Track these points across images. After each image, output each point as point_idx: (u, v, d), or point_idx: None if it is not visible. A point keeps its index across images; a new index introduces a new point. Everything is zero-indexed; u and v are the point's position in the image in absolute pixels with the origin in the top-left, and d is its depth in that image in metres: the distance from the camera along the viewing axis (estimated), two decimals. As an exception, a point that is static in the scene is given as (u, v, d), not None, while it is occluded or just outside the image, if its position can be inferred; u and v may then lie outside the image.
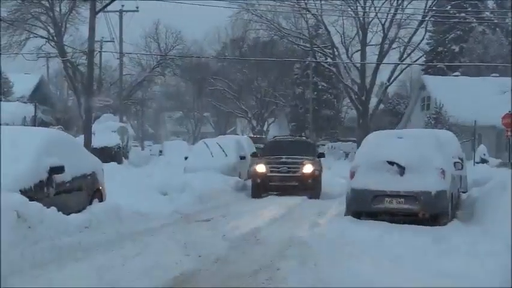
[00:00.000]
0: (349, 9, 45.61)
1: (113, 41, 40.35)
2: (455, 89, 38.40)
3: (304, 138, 23.30)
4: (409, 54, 47.24)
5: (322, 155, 20.73)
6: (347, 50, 47.48)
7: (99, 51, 39.55)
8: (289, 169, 18.54)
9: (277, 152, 19.39)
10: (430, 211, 11.22)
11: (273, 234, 10.42)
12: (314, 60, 49.73)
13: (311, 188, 18.33)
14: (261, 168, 18.75)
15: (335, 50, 47.13)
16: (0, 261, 6.71)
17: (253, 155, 21.20)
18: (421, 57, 50.22)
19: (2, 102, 30.20)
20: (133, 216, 11.62)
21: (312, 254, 8.50)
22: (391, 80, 47.28)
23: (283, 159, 18.84)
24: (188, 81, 63.76)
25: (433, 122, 34.97)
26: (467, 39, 49.00)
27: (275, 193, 18.90)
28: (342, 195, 14.42)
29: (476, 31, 48.71)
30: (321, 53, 49.87)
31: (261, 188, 18.68)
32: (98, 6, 24.56)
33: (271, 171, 18.59)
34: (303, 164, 18.59)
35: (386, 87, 48.65)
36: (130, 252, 8.39)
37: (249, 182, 21.70)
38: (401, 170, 11.26)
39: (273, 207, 15.26)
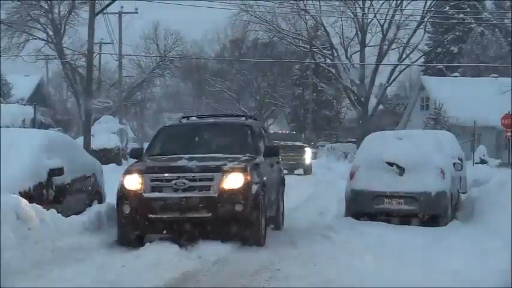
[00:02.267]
0: (348, 11, 45.69)
1: (112, 43, 40.39)
2: (455, 90, 38.40)
3: (240, 120, 11.86)
4: (408, 55, 47.39)
5: (273, 152, 10.71)
6: (346, 51, 47.58)
7: (98, 53, 39.55)
8: (190, 182, 9.05)
9: (179, 148, 10.27)
10: (430, 212, 11.22)
11: (274, 234, 10.41)
12: (313, 61, 49.77)
13: (243, 223, 9.04)
14: (132, 182, 9.24)
15: (334, 51, 47.22)
16: (0, 261, 6.71)
17: (134, 154, 10.99)
18: (420, 57, 50.32)
19: (1, 104, 30.20)
20: (133, 218, 11.58)
21: (312, 254, 8.51)
22: (390, 81, 47.36)
23: (182, 162, 9.46)
24: (187, 82, 63.79)
25: (432, 122, 34.97)
26: (466, 40, 49.05)
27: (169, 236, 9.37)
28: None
29: (475, 32, 48.76)
30: (320, 54, 49.94)
31: (132, 226, 9.24)
32: (97, 8, 24.59)
33: (154, 189, 9.13)
34: (222, 171, 9.08)
35: (386, 88, 48.73)
36: (131, 252, 8.39)
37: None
38: (401, 170, 11.27)
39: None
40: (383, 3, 45.03)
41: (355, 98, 46.52)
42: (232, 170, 9.10)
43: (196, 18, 56.69)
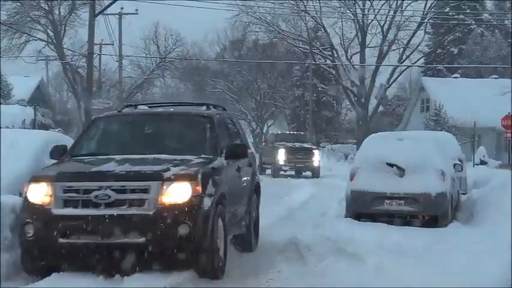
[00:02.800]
0: (348, 11, 45.73)
1: (112, 44, 40.42)
2: (455, 91, 38.46)
3: (198, 110, 9.14)
4: (408, 56, 47.41)
5: (239, 152, 8.24)
6: (346, 52, 47.62)
7: (99, 54, 39.59)
8: (118, 195, 6.81)
9: (113, 147, 8.13)
10: (430, 213, 11.22)
11: (274, 235, 10.43)
12: (313, 62, 49.80)
13: (190, 250, 6.87)
14: (37, 193, 7.07)
15: (334, 51, 47.25)
16: (0, 262, 6.72)
17: (53, 153, 8.23)
18: (420, 59, 50.35)
19: (1, 105, 30.23)
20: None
21: (313, 255, 8.51)
22: (390, 82, 47.38)
23: (109, 166, 7.22)
24: (187, 83, 63.84)
25: (432, 123, 35.01)
26: (466, 41, 49.11)
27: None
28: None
29: (475, 33, 48.80)
30: (320, 55, 49.99)
31: (37, 253, 6.99)
32: (98, 8, 24.61)
33: (67, 204, 6.93)
34: (162, 180, 6.86)
35: (386, 89, 48.73)
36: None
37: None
38: (401, 171, 11.27)
39: None
40: (383, 4, 45.10)
41: (355, 99, 46.55)
42: (176, 177, 6.77)
43: (196, 19, 56.70)
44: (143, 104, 9.57)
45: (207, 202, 6.79)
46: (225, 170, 7.65)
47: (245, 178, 8.89)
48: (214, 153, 7.71)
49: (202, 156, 7.54)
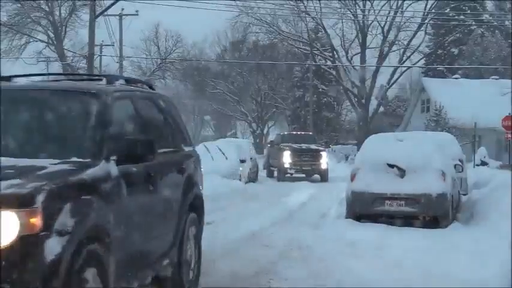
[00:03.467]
0: (349, 12, 45.81)
1: (113, 45, 40.45)
2: (455, 91, 38.47)
3: (85, 84, 5.84)
4: (408, 57, 47.51)
5: (140, 151, 4.80)
6: (347, 53, 47.72)
7: (99, 55, 39.63)
8: None
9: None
10: (431, 213, 11.25)
11: (274, 236, 10.44)
12: (314, 63, 49.86)
13: None
14: None
15: (335, 52, 47.31)
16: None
17: None
18: (420, 59, 50.40)
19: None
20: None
21: (314, 255, 8.53)
22: (391, 83, 47.44)
23: None
24: (188, 84, 63.93)
25: (433, 124, 35.04)
26: (466, 42, 49.15)
27: None
28: None
29: (476, 33, 48.83)
30: (320, 55, 50.06)
31: None
32: (98, 9, 24.64)
33: None
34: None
35: (386, 90, 48.81)
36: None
37: (249, 186, 21.52)
38: (402, 172, 11.29)
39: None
40: (384, 4, 45.17)
41: (356, 99, 46.60)
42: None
43: (196, 20, 56.79)
44: (20, 76, 5.92)
45: (54, 246, 3.72)
46: (113, 183, 4.63)
47: (168, 192, 5.81)
48: (96, 154, 4.64)
49: (73, 159, 4.52)
